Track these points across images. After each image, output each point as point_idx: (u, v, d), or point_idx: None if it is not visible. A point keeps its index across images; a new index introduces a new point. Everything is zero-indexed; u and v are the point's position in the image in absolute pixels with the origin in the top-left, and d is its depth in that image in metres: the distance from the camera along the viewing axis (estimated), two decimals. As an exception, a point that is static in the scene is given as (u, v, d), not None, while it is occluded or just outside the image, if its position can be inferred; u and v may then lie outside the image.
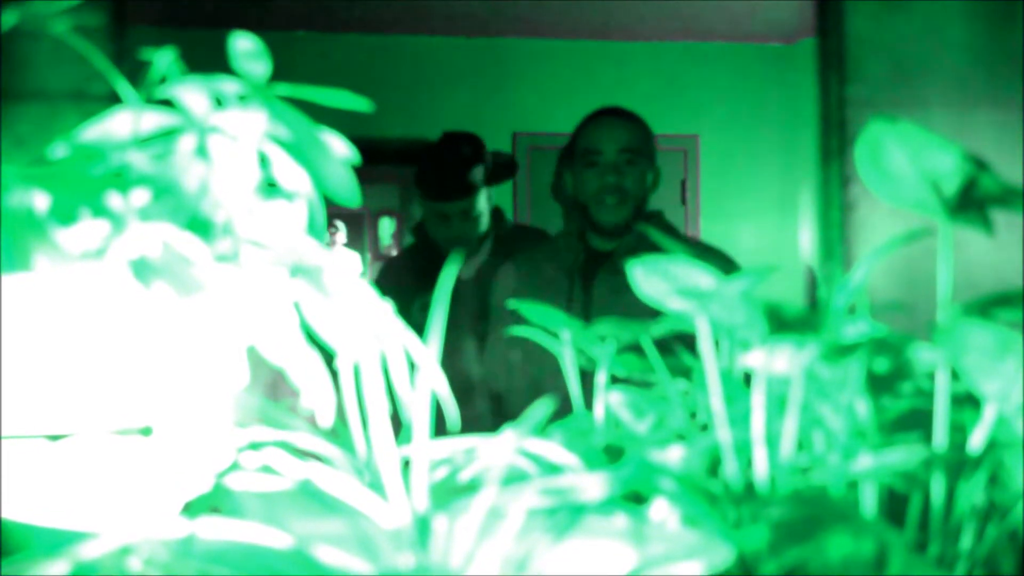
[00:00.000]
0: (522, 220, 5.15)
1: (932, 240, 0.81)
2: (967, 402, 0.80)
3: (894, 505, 0.81)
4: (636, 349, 1.05)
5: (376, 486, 0.76)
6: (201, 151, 0.80)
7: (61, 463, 0.79)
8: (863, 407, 0.81)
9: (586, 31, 5.20)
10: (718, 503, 0.75)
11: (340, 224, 5.84)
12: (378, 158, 5.19)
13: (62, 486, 0.79)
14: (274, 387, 0.89)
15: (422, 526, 0.73)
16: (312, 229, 0.84)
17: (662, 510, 0.81)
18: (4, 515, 0.79)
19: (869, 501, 0.80)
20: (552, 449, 0.90)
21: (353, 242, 5.85)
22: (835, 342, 0.78)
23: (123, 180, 0.78)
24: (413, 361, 0.78)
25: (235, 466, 0.78)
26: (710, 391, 0.84)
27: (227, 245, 0.80)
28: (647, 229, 2.40)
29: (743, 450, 0.82)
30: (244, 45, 0.80)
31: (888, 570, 0.67)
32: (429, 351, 0.77)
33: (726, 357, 0.92)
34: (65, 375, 0.77)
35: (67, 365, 0.77)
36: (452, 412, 0.81)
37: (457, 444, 0.94)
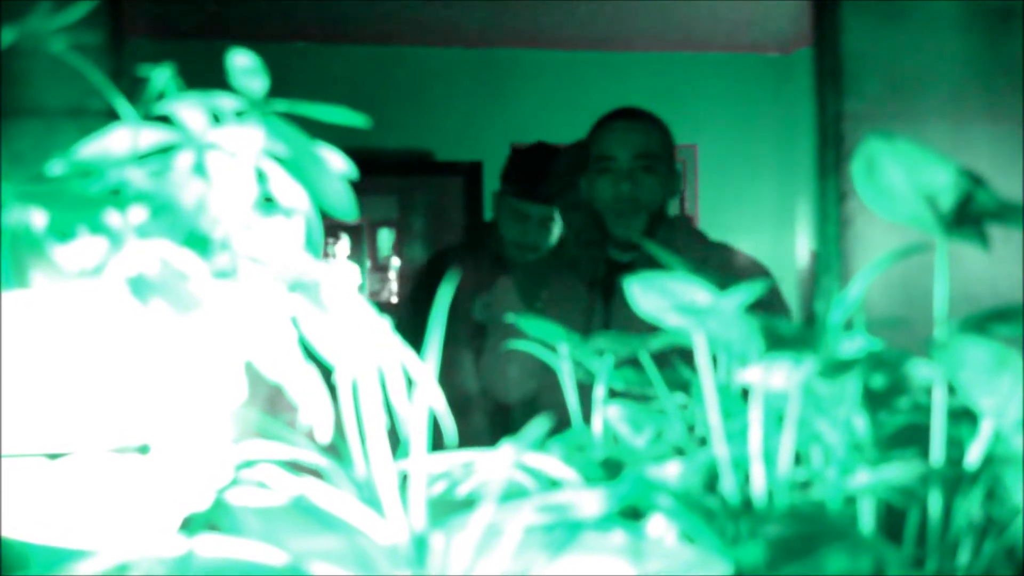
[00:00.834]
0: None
1: (929, 255, 0.81)
2: (964, 417, 0.80)
3: (892, 520, 0.81)
4: (635, 363, 1.05)
5: (374, 502, 0.76)
6: (199, 168, 0.80)
7: (60, 481, 0.79)
8: (860, 422, 0.81)
9: (585, 42, 5.21)
10: (715, 519, 0.75)
11: (343, 235, 5.84)
12: (377, 169, 5.20)
13: (61, 504, 0.79)
14: (272, 403, 0.89)
15: (419, 543, 0.73)
16: (310, 244, 0.84)
17: (660, 526, 0.81)
18: (3, 533, 0.79)
19: (867, 516, 0.80)
20: (550, 463, 0.90)
21: (352, 253, 5.85)
22: (832, 358, 0.78)
23: (121, 197, 0.78)
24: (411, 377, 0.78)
25: (233, 482, 0.78)
26: (707, 407, 0.84)
27: (225, 261, 0.80)
28: (659, 239, 2.33)
29: (741, 465, 0.82)
30: (242, 61, 0.80)
31: (885, 587, 0.67)
32: (426, 366, 0.77)
33: (724, 372, 0.92)
34: (63, 393, 0.77)
35: (65, 383, 0.77)
36: (450, 427, 0.81)
37: (455, 458, 0.94)
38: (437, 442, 0.87)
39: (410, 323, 1.07)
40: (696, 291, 0.80)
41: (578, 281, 2.42)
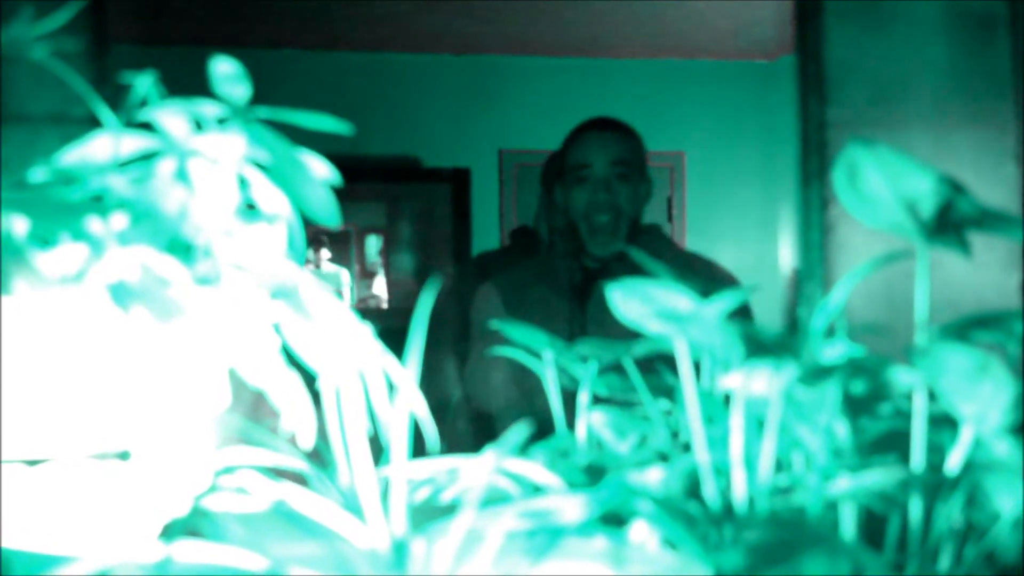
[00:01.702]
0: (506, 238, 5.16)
1: (912, 262, 0.81)
2: (945, 423, 0.81)
3: (873, 526, 0.81)
4: (618, 369, 1.05)
5: (356, 508, 0.76)
6: (181, 174, 0.80)
7: (39, 488, 0.79)
8: (842, 428, 0.81)
9: (573, 49, 5.22)
10: (697, 525, 0.75)
11: (325, 239, 5.84)
12: (365, 176, 5.21)
13: (40, 510, 0.79)
14: (255, 408, 0.89)
15: (400, 548, 0.73)
16: (292, 251, 0.84)
17: (642, 532, 0.81)
18: (-17, 539, 0.79)
19: (848, 522, 0.80)
20: (534, 469, 0.91)
21: (340, 259, 5.84)
22: (813, 364, 0.78)
23: (103, 204, 0.78)
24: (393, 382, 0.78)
25: (212, 489, 0.78)
26: (689, 413, 0.84)
27: (207, 268, 0.80)
28: (634, 248, 2.37)
29: (723, 471, 0.82)
30: (224, 68, 0.80)
31: (865, 592, 0.68)
32: (408, 372, 0.77)
33: (708, 378, 0.92)
34: (43, 400, 0.77)
35: (45, 389, 0.77)
36: (432, 432, 0.82)
37: (438, 464, 0.95)
38: (422, 448, 0.87)
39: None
40: (678, 298, 0.81)
41: (555, 289, 2.43)
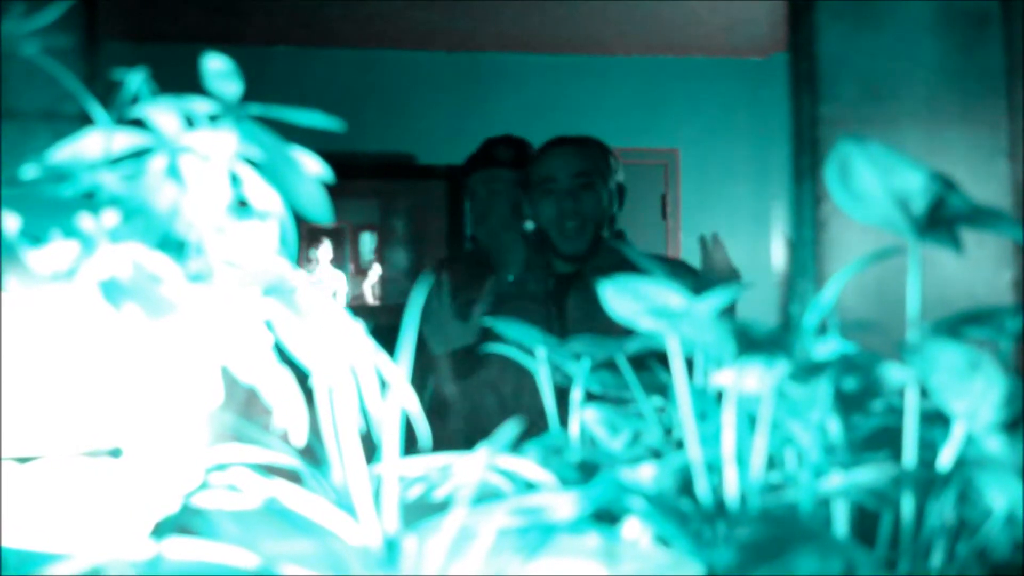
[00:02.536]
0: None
1: (904, 259, 0.81)
2: (937, 420, 0.81)
3: (866, 523, 0.81)
4: (611, 366, 1.05)
5: (349, 505, 0.76)
6: (173, 171, 0.80)
7: (31, 485, 0.79)
8: (834, 425, 0.81)
9: (567, 46, 5.21)
10: (689, 522, 0.76)
11: (325, 240, 5.83)
12: (359, 173, 5.20)
13: (32, 508, 0.79)
14: (248, 406, 0.89)
15: (392, 546, 0.73)
16: (284, 248, 0.84)
17: (634, 529, 0.81)
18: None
19: (840, 519, 0.81)
20: (527, 466, 0.90)
21: (334, 257, 5.84)
22: (805, 361, 0.78)
23: (94, 201, 0.78)
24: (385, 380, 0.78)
25: (204, 486, 0.78)
26: (681, 410, 0.84)
27: (199, 265, 0.80)
28: (615, 246, 2.46)
29: (715, 468, 0.82)
30: (216, 65, 0.80)
31: (856, 589, 0.68)
32: (399, 369, 0.77)
33: (701, 374, 0.92)
34: (35, 397, 0.77)
35: (37, 387, 0.77)
36: (424, 430, 0.82)
37: (432, 462, 0.95)
38: (416, 446, 0.87)
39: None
40: (670, 295, 0.81)
41: (529, 298, 2.57)
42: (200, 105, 0.81)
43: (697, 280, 2.22)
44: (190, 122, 0.82)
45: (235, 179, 0.82)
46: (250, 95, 0.82)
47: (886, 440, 0.81)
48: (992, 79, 1.40)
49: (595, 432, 1.02)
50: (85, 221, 0.76)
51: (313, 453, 0.85)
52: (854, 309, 1.29)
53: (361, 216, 5.59)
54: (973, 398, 0.75)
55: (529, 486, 0.91)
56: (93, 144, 0.81)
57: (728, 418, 0.80)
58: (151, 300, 0.75)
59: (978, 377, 0.74)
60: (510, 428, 0.75)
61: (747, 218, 5.42)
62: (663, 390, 1.02)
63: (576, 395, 1.02)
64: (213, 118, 0.81)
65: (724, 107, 5.47)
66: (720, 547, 0.69)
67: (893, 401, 0.82)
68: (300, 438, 0.80)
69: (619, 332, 0.98)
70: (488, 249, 2.74)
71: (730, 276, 2.62)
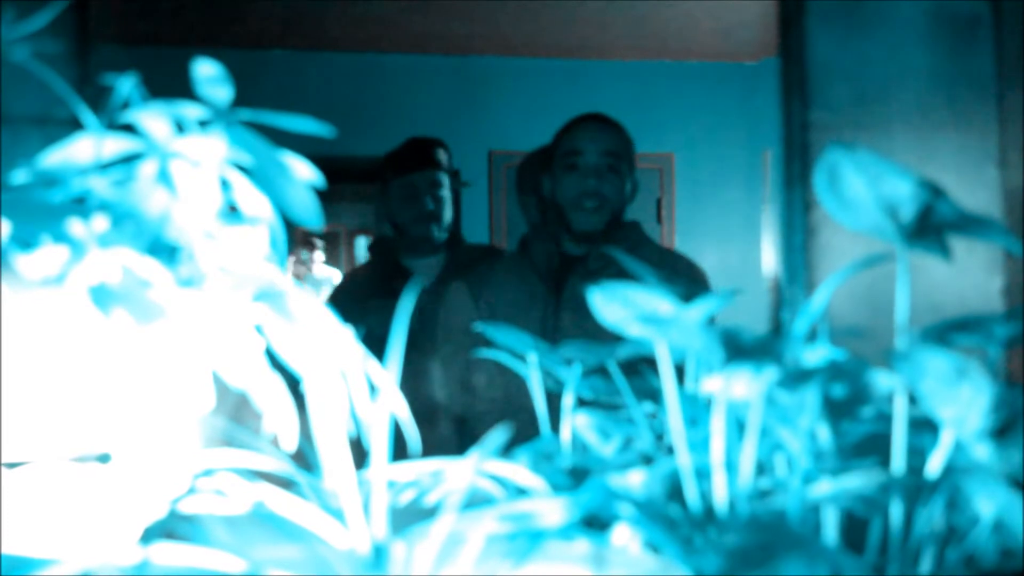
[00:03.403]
0: (497, 239, 5.16)
1: (894, 265, 0.81)
2: (926, 427, 0.81)
3: (855, 529, 0.81)
4: (603, 371, 1.05)
5: (338, 510, 0.76)
6: (163, 176, 0.80)
7: (19, 490, 0.79)
8: (823, 432, 0.81)
9: (561, 50, 5.22)
10: (678, 528, 0.76)
11: (319, 243, 5.83)
12: (353, 177, 5.20)
13: (21, 513, 0.79)
14: (239, 410, 0.89)
15: (380, 551, 0.73)
16: (274, 253, 0.84)
17: (624, 535, 0.81)
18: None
19: (829, 525, 0.81)
20: (518, 472, 0.91)
21: (330, 260, 5.84)
22: (794, 367, 0.79)
23: (84, 206, 0.78)
24: (374, 385, 0.78)
25: (192, 491, 0.78)
26: (670, 415, 0.84)
27: (189, 270, 0.80)
28: (614, 241, 2.41)
29: (705, 474, 0.83)
30: (206, 70, 0.80)
31: (843, 595, 0.68)
32: (388, 374, 0.77)
33: (692, 380, 0.92)
34: (24, 402, 0.77)
35: (26, 392, 0.77)
36: (413, 435, 0.82)
37: (423, 467, 0.95)
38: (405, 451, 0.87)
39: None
40: (658, 301, 0.81)
41: (531, 272, 2.49)
42: (191, 110, 0.81)
43: (705, 282, 2.20)
44: (180, 127, 0.82)
45: (225, 184, 0.82)
46: (245, 99, 0.82)
47: (875, 447, 0.82)
48: (983, 85, 1.41)
49: (586, 438, 1.02)
50: (75, 226, 0.76)
51: (305, 458, 0.85)
52: (844, 315, 1.29)
53: (356, 220, 5.59)
54: (961, 405, 0.75)
55: (520, 492, 0.91)
56: (83, 149, 0.81)
57: (717, 424, 0.80)
58: (141, 305, 0.75)
59: (965, 384, 0.74)
60: (500, 434, 0.75)
61: (740, 222, 5.43)
62: (654, 396, 1.02)
63: (567, 400, 1.02)
64: (203, 123, 0.81)
65: (719, 111, 5.48)
66: (707, 553, 0.69)
67: (882, 408, 0.82)
68: (290, 443, 0.80)
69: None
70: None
71: None
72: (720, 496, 0.80)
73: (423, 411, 2.60)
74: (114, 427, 0.80)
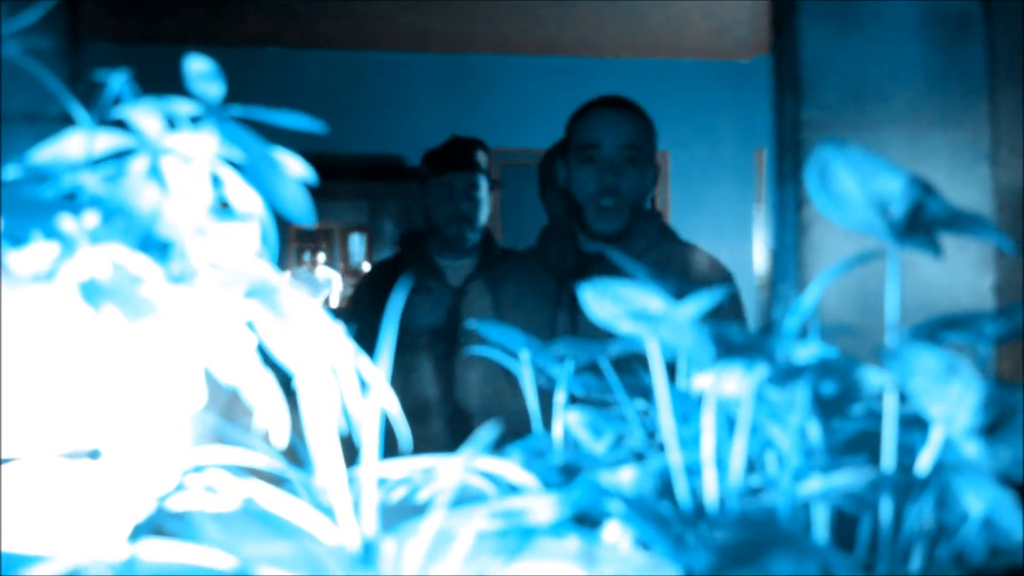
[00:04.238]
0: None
1: (885, 262, 0.81)
2: (916, 424, 0.81)
3: (845, 527, 0.81)
4: (595, 369, 1.05)
5: (328, 506, 0.76)
6: (154, 173, 0.80)
7: (8, 487, 0.79)
8: (813, 429, 0.81)
9: (557, 48, 5.22)
10: (669, 525, 0.76)
11: (323, 245, 5.84)
12: (348, 174, 5.21)
13: (10, 510, 0.79)
14: (230, 407, 0.89)
15: (370, 548, 0.73)
16: (265, 249, 0.84)
17: (615, 532, 0.81)
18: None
19: (819, 523, 0.81)
20: (510, 469, 0.91)
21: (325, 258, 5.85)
22: (784, 365, 0.79)
23: (75, 202, 0.78)
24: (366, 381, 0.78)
25: (181, 487, 0.78)
26: (660, 413, 0.85)
27: (180, 266, 0.80)
28: (635, 231, 2.31)
29: (695, 471, 0.83)
30: (198, 66, 0.80)
31: (833, 592, 0.68)
32: (379, 371, 0.77)
33: (684, 377, 0.92)
34: (13, 398, 0.77)
35: (16, 388, 0.77)
36: (404, 432, 0.82)
37: (414, 464, 0.95)
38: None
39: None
40: (649, 298, 0.81)
41: (546, 272, 2.37)
42: (182, 106, 0.81)
43: (727, 276, 2.15)
44: (172, 123, 0.82)
45: (216, 181, 0.82)
46: (239, 96, 0.82)
47: (865, 444, 0.82)
48: (974, 82, 1.41)
49: (578, 435, 1.02)
50: (66, 222, 0.76)
51: (296, 455, 0.85)
52: (835, 313, 1.30)
53: (351, 218, 5.60)
54: (951, 402, 0.75)
55: (512, 488, 0.91)
56: (75, 145, 0.81)
57: (707, 422, 0.80)
58: (131, 302, 0.75)
59: (955, 381, 0.74)
60: (489, 430, 0.75)
61: (733, 220, 5.44)
62: (646, 393, 1.02)
63: (559, 398, 1.03)
64: (195, 119, 0.81)
65: (712, 109, 5.49)
66: (697, 550, 0.69)
67: (872, 405, 0.82)
68: (281, 439, 0.80)
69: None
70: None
71: None
72: (710, 493, 0.80)
73: (452, 409, 2.59)
74: (104, 423, 0.80)
